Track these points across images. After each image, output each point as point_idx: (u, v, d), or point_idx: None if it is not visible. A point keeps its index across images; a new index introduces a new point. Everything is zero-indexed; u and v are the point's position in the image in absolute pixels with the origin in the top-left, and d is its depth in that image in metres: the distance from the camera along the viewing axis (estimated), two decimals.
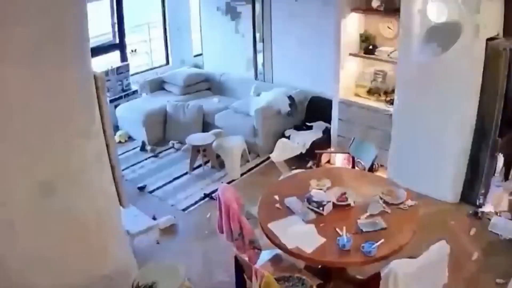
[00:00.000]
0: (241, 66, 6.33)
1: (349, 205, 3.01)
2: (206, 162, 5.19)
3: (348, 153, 4.12)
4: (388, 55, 4.58)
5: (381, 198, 3.06)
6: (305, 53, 5.60)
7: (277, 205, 3.07)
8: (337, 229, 2.77)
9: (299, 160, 4.91)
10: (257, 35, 6.05)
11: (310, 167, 4.93)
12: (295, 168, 4.44)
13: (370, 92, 4.90)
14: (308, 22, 5.44)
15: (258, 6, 5.89)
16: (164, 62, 6.95)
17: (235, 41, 6.30)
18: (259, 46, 6.12)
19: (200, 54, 6.88)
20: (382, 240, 2.64)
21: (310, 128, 5.36)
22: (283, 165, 4.45)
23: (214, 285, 3.49)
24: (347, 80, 4.95)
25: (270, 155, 4.49)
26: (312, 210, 2.96)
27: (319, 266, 3.07)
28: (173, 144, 5.72)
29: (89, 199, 2.67)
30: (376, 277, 2.52)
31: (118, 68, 6.10)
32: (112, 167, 2.87)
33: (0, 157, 2.24)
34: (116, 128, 5.97)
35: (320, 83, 5.48)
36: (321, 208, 2.93)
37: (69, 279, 2.64)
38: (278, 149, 4.50)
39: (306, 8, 5.40)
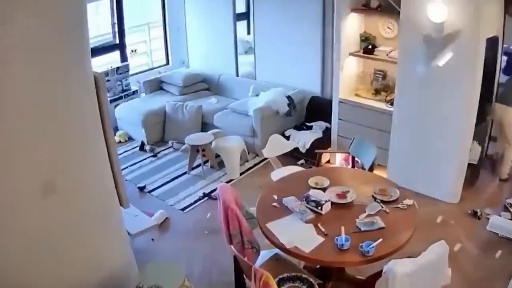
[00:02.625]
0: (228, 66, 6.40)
1: (348, 203, 3.01)
2: (205, 162, 5.20)
3: (348, 153, 4.12)
4: (387, 54, 4.59)
5: (374, 198, 3.06)
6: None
7: (276, 204, 3.07)
8: (319, 225, 2.79)
9: (293, 158, 4.97)
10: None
11: (302, 164, 4.98)
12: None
13: (370, 92, 4.91)
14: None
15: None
16: (164, 62, 6.96)
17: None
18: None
19: None
20: (381, 240, 2.64)
21: (310, 128, 5.37)
22: (276, 161, 4.46)
23: (214, 285, 3.49)
24: (347, 80, 4.96)
25: (262, 151, 4.50)
26: (310, 209, 2.96)
27: (318, 266, 3.08)
28: (173, 143, 5.73)
29: (89, 199, 2.68)
30: (375, 277, 2.53)
31: (118, 68, 6.11)
32: (112, 167, 2.87)
33: (2, 159, 2.24)
34: (116, 128, 5.98)
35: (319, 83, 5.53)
36: (319, 208, 2.93)
37: (69, 279, 2.65)
38: (270, 144, 4.51)
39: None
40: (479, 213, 4.11)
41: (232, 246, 3.05)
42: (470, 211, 4.16)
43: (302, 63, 5.63)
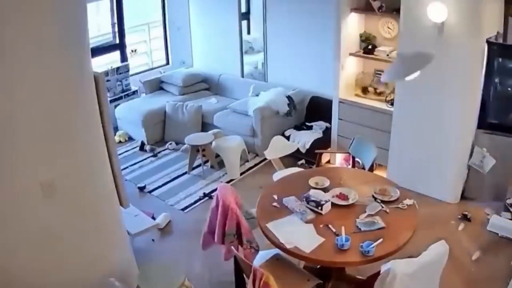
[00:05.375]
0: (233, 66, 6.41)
1: (349, 204, 3.01)
2: (205, 162, 5.20)
3: (348, 153, 4.12)
4: (387, 55, 4.59)
5: (374, 198, 3.06)
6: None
7: (276, 204, 3.07)
8: (329, 226, 2.81)
9: (293, 158, 4.98)
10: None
11: (302, 164, 4.98)
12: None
13: (370, 92, 4.91)
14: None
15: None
16: (164, 62, 6.96)
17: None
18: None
19: None
20: (381, 240, 2.64)
21: (310, 128, 5.37)
22: (278, 162, 4.46)
23: (214, 285, 3.49)
24: (347, 80, 4.96)
25: (265, 152, 4.50)
26: (310, 209, 2.96)
27: (318, 266, 3.08)
28: (168, 144, 5.73)
29: (89, 199, 2.68)
30: (375, 277, 2.52)
31: (118, 68, 6.11)
32: (112, 167, 2.87)
33: (2, 158, 2.25)
34: (116, 128, 5.98)
35: (319, 83, 5.52)
36: (319, 208, 2.93)
37: (69, 279, 2.65)
38: (272, 146, 4.51)
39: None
40: (469, 215, 4.10)
41: (223, 246, 3.06)
42: (459, 216, 4.12)
43: (304, 63, 5.61)
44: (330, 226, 2.81)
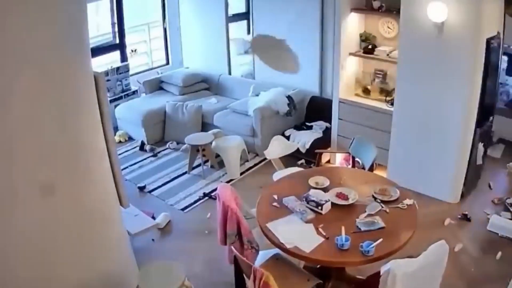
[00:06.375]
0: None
1: (349, 204, 3.01)
2: (205, 162, 5.20)
3: (348, 153, 4.12)
4: (387, 54, 4.59)
5: (374, 198, 3.06)
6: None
7: (276, 204, 3.07)
8: (320, 229, 2.79)
9: (293, 158, 4.98)
10: None
11: (302, 164, 4.98)
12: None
13: (370, 92, 4.91)
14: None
15: None
16: (164, 62, 6.96)
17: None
18: None
19: None
20: (381, 240, 2.64)
21: (310, 128, 5.37)
22: (278, 162, 4.45)
23: (214, 285, 3.49)
24: (347, 80, 4.95)
25: (265, 152, 4.50)
26: (310, 209, 2.96)
27: (318, 266, 3.08)
28: (169, 144, 5.74)
29: (89, 199, 2.68)
30: (376, 277, 2.52)
31: (118, 68, 6.12)
32: (112, 167, 2.87)
33: (3, 158, 2.25)
34: (116, 128, 5.99)
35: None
36: (319, 208, 2.93)
37: (69, 279, 2.65)
38: (272, 146, 4.51)
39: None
40: (469, 215, 4.10)
41: (227, 246, 3.06)
42: (459, 216, 4.12)
43: (302, 63, 5.63)
44: (320, 229, 2.79)
